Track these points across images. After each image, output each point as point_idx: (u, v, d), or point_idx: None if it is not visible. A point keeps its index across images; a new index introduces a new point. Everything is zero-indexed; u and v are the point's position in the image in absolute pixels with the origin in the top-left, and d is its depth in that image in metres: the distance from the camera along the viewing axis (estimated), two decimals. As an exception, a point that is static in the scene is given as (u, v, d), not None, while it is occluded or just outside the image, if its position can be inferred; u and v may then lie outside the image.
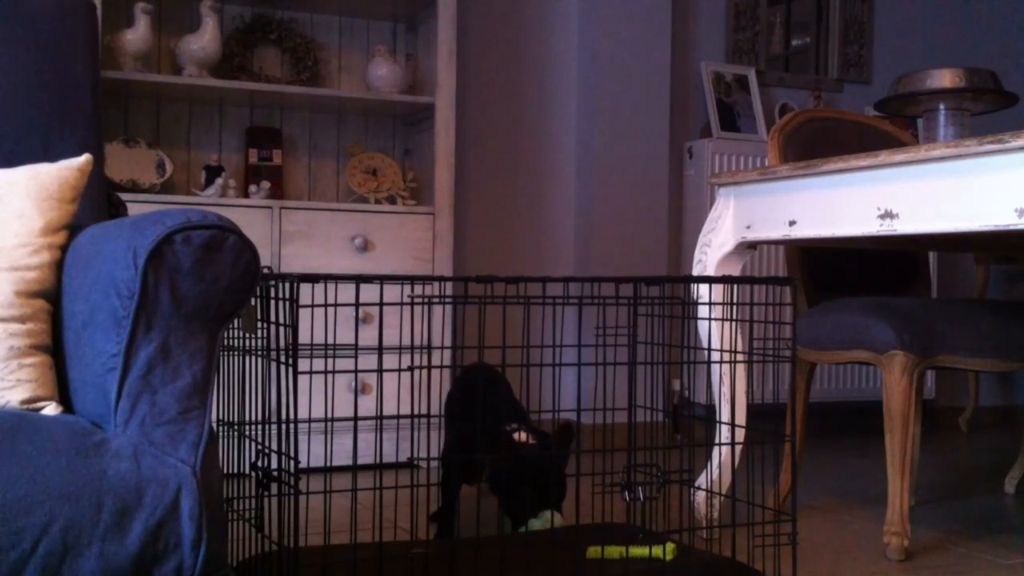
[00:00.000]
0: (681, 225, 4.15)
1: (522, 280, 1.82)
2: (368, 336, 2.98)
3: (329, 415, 1.78)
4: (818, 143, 2.79)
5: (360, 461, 2.91)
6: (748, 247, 2.48)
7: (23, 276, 1.48)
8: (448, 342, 3.24)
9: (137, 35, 3.19)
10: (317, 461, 2.90)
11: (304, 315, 1.62)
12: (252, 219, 3.16)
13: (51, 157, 1.69)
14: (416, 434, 1.84)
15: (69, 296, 1.48)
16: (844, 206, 2.16)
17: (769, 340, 1.95)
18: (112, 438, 1.30)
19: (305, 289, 1.63)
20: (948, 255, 4.59)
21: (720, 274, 2.44)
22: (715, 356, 2.37)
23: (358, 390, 2.99)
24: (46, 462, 1.23)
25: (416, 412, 1.81)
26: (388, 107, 3.55)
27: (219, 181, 3.32)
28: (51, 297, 1.51)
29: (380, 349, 1.68)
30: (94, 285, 1.38)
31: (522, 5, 3.94)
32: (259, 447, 1.73)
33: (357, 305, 1.66)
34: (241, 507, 1.83)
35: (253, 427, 1.76)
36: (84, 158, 1.63)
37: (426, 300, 1.74)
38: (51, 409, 1.44)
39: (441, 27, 3.39)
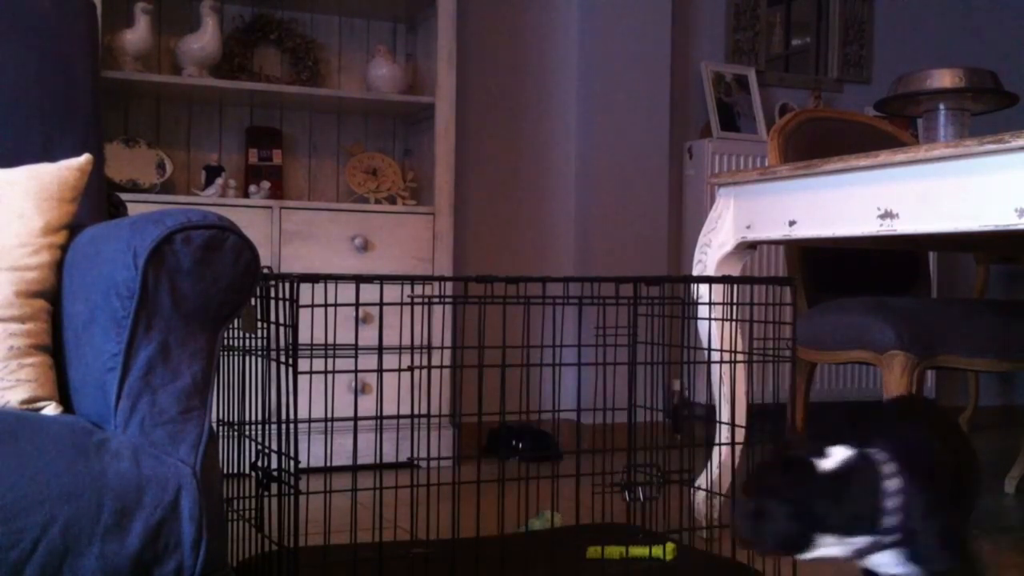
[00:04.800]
0: (681, 225, 4.15)
1: (522, 280, 1.82)
2: (368, 336, 2.98)
3: (329, 415, 1.78)
4: (818, 143, 2.79)
5: (360, 461, 2.91)
6: (748, 247, 2.48)
7: (23, 276, 1.48)
8: (448, 342, 3.24)
9: (137, 35, 3.19)
10: (317, 461, 2.90)
11: (304, 315, 1.62)
12: (252, 219, 3.16)
13: (51, 157, 1.69)
14: (416, 434, 1.84)
15: (69, 296, 1.48)
16: (844, 206, 2.16)
17: (769, 340, 1.94)
18: (112, 438, 1.30)
19: (305, 289, 1.64)
20: (948, 255, 4.59)
21: (720, 274, 2.44)
22: (715, 356, 2.37)
23: (358, 390, 2.99)
24: (46, 462, 1.23)
25: (416, 412, 1.81)
26: (388, 107, 3.55)
27: (219, 181, 3.32)
28: (51, 297, 1.51)
29: (380, 349, 1.68)
30: (94, 285, 1.38)
31: (522, 5, 3.94)
32: (259, 447, 1.73)
33: (357, 305, 1.66)
34: (241, 507, 1.83)
35: (253, 427, 1.76)
36: (84, 158, 1.63)
37: (426, 300, 1.74)
38: (51, 409, 1.44)
39: (441, 27, 3.39)
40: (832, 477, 1.45)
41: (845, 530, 1.44)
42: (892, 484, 1.43)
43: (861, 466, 1.45)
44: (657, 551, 2.00)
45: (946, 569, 1.45)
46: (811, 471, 1.46)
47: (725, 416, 2.43)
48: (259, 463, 1.72)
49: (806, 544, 1.46)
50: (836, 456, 1.47)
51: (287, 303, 1.63)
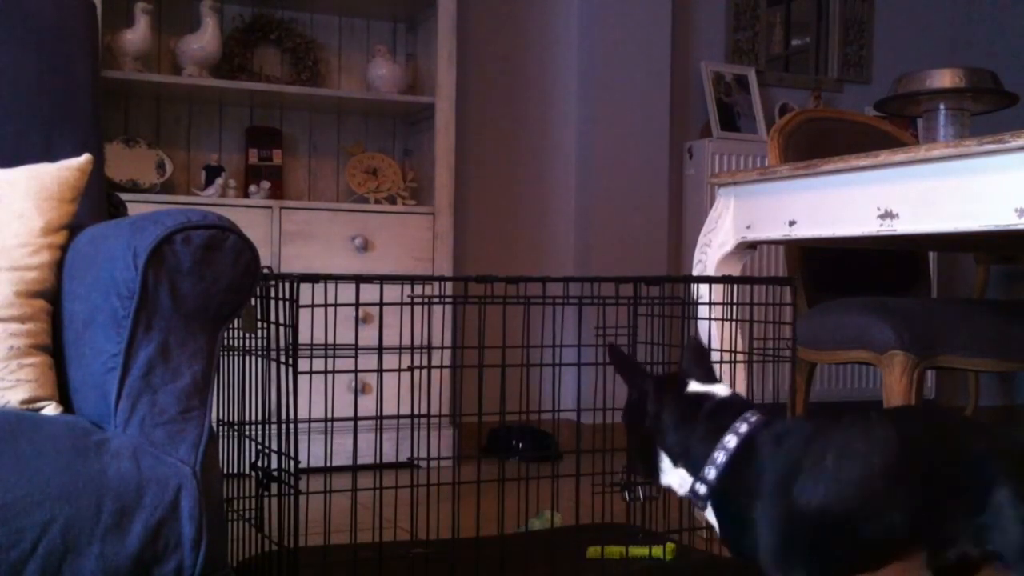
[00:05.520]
0: (681, 225, 4.15)
1: (522, 280, 1.82)
2: (368, 336, 2.98)
3: (329, 415, 1.78)
4: (818, 143, 2.78)
5: (360, 461, 2.91)
6: (748, 247, 2.47)
7: (23, 276, 1.48)
8: (448, 342, 3.24)
9: (137, 35, 3.19)
10: (317, 461, 2.90)
11: (304, 315, 1.62)
12: (252, 219, 3.16)
13: (51, 157, 1.69)
14: (416, 434, 1.84)
15: (69, 296, 1.48)
16: (844, 206, 2.16)
17: (769, 340, 1.94)
18: (112, 438, 1.30)
19: (305, 289, 1.64)
20: (948, 255, 4.59)
21: (720, 274, 2.44)
22: (715, 356, 2.37)
23: (358, 390, 2.99)
24: (46, 462, 1.23)
25: (416, 412, 1.81)
26: (388, 107, 3.55)
27: (219, 181, 3.32)
28: (51, 297, 1.51)
29: (380, 349, 1.68)
30: (94, 285, 1.38)
31: (522, 5, 3.94)
32: (259, 447, 1.73)
33: (357, 305, 1.66)
34: (241, 507, 1.83)
35: (253, 427, 1.76)
36: (84, 158, 1.63)
37: (426, 300, 1.74)
38: (51, 409, 1.44)
39: (441, 27, 3.39)
40: (688, 399, 1.46)
41: (675, 456, 1.44)
42: (730, 440, 1.42)
43: (719, 407, 1.44)
44: (657, 551, 2.00)
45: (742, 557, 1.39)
46: (681, 390, 1.47)
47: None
48: (259, 463, 1.72)
49: (652, 455, 1.46)
50: (709, 388, 1.48)
51: (287, 303, 1.63)
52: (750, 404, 1.46)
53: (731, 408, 1.43)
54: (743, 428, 1.41)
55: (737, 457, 1.39)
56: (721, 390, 1.46)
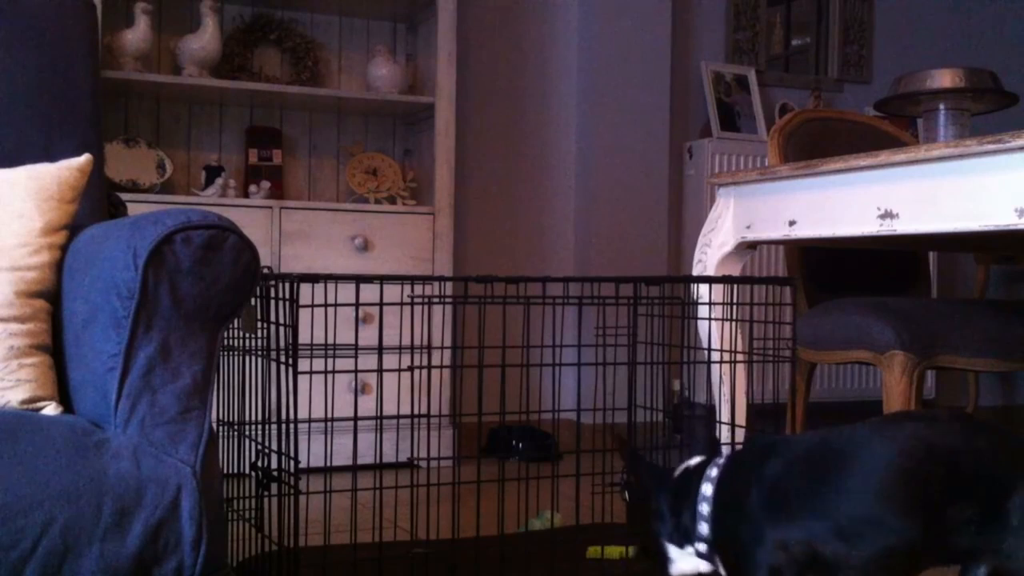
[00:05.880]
0: (681, 225, 4.15)
1: (522, 280, 1.82)
2: (368, 336, 2.98)
3: (329, 415, 1.78)
4: (818, 143, 2.78)
5: (360, 461, 2.91)
6: (748, 247, 2.47)
7: (23, 276, 1.48)
8: (448, 342, 3.24)
9: (137, 35, 3.19)
10: (317, 461, 2.90)
11: (304, 315, 1.62)
12: (252, 219, 3.16)
13: (51, 157, 1.69)
14: (416, 434, 1.84)
15: (69, 296, 1.48)
16: (844, 206, 2.16)
17: (769, 340, 1.94)
18: (112, 438, 1.30)
19: (305, 289, 1.63)
20: (948, 255, 4.59)
21: (720, 274, 2.44)
22: (715, 356, 2.37)
23: (358, 390, 2.99)
24: (46, 462, 1.23)
25: (416, 412, 1.81)
26: (388, 107, 3.55)
27: (219, 181, 3.32)
28: (51, 297, 1.51)
29: (380, 349, 1.68)
30: (94, 285, 1.38)
31: (522, 5, 3.94)
32: (259, 447, 1.73)
33: (357, 305, 1.66)
34: (241, 507, 1.83)
35: (253, 427, 1.76)
36: (84, 158, 1.63)
37: (426, 300, 1.74)
38: (51, 409, 1.44)
39: (441, 27, 3.39)
40: (670, 486, 1.46)
41: (679, 540, 1.43)
42: (707, 488, 1.39)
43: (690, 473, 1.44)
44: (657, 551, 2.00)
45: None
46: (664, 480, 1.47)
47: (725, 416, 2.43)
48: (259, 463, 1.72)
49: (663, 552, 1.46)
50: (686, 464, 1.47)
51: (287, 303, 1.63)
52: (706, 460, 1.45)
53: (701, 465, 1.43)
54: (714, 472, 1.40)
55: (720, 496, 1.38)
56: (694, 460, 1.46)
